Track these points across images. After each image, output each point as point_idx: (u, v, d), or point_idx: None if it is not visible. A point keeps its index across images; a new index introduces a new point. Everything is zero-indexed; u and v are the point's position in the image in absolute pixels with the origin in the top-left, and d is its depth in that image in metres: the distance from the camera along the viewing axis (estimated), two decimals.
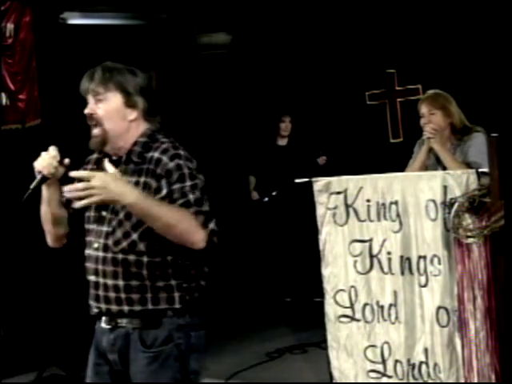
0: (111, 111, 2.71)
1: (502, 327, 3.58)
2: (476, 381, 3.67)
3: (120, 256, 2.65)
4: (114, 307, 2.67)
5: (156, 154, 2.65)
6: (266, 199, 7.04)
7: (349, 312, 4.08)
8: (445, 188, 3.77)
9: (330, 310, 4.13)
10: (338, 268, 4.10)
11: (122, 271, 2.64)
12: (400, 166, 4.63)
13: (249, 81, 7.79)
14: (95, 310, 2.75)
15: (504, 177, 3.57)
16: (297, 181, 4.30)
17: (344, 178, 4.13)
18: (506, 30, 6.26)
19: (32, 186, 2.73)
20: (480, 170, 3.76)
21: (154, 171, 2.63)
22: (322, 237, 4.15)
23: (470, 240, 3.65)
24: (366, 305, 4.04)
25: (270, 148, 7.35)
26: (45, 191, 2.80)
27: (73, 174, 2.62)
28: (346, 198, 4.06)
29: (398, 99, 7.31)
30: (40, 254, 6.01)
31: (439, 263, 3.81)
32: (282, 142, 7.37)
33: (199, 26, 7.81)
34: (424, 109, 4.49)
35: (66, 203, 2.88)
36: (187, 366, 2.67)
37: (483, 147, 3.92)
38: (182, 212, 2.55)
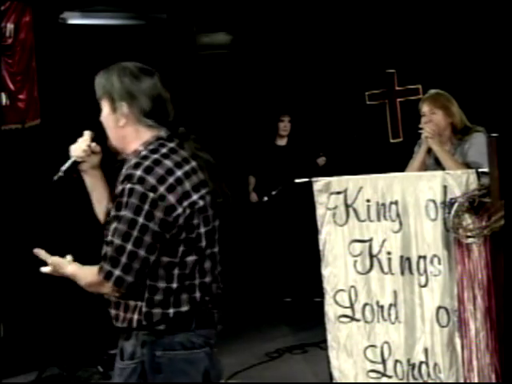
0: (105, 118, 2.69)
1: (502, 327, 3.58)
2: (476, 381, 3.67)
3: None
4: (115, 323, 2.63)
5: (123, 170, 2.53)
6: (266, 198, 7.04)
7: (349, 312, 4.08)
8: (445, 188, 3.77)
9: (330, 309, 4.13)
10: (338, 268, 4.10)
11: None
12: (400, 166, 4.63)
13: (249, 81, 7.79)
14: None
15: (504, 177, 3.57)
16: (297, 181, 4.30)
17: (344, 178, 4.13)
18: (505, 30, 6.26)
19: (63, 168, 2.75)
20: (480, 169, 3.76)
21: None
22: (321, 237, 4.15)
23: (470, 240, 3.65)
24: (365, 305, 4.04)
25: (270, 148, 7.35)
26: (86, 179, 2.81)
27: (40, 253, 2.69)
28: (345, 197, 4.06)
29: (398, 99, 7.31)
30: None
31: (439, 263, 3.81)
32: (282, 142, 7.37)
33: (199, 26, 7.81)
34: (425, 108, 4.49)
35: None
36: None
37: (483, 147, 3.92)
38: (90, 278, 2.54)
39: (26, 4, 6.37)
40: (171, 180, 2.43)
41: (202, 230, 2.50)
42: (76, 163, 2.76)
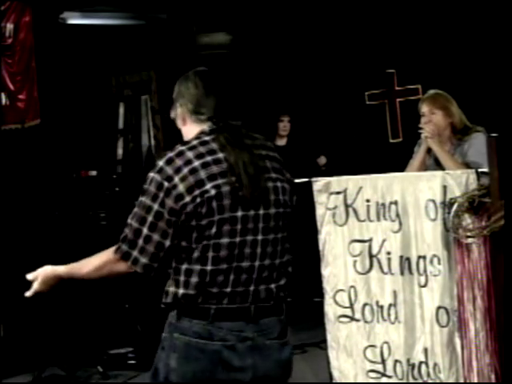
0: (175, 117, 2.82)
1: (502, 327, 3.58)
2: (476, 381, 3.67)
3: None
4: None
5: None
6: None
7: (348, 312, 4.08)
8: (444, 188, 3.77)
9: (330, 310, 4.13)
10: (338, 268, 4.10)
11: None
12: (400, 166, 4.63)
13: (249, 81, 7.79)
14: None
15: (504, 177, 3.57)
16: (296, 181, 4.30)
17: (344, 178, 4.13)
18: (505, 30, 6.27)
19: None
20: (480, 170, 3.76)
21: None
22: (321, 237, 4.15)
23: (470, 240, 3.65)
24: (365, 305, 4.04)
25: None
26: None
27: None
28: (345, 197, 4.06)
29: (398, 99, 7.31)
30: (40, 254, 6.01)
31: (439, 263, 3.81)
32: (281, 142, 7.36)
33: (199, 26, 7.81)
34: (425, 108, 4.49)
35: None
36: (168, 361, 2.66)
37: (483, 147, 3.92)
38: (103, 256, 2.74)
39: (26, 4, 6.37)
40: (186, 170, 2.57)
41: (216, 217, 2.57)
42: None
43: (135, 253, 2.60)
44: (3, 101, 6.29)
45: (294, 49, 7.60)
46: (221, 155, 2.62)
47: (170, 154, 2.61)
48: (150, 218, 2.57)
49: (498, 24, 6.34)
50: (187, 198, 2.54)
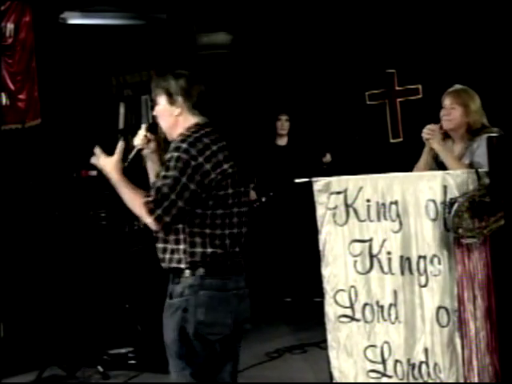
0: (161, 111, 3.40)
1: (502, 327, 3.58)
2: (476, 381, 3.67)
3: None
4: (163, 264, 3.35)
5: (172, 144, 3.29)
6: (264, 199, 7.04)
7: (349, 312, 4.08)
8: (445, 188, 3.77)
9: (330, 309, 4.13)
10: (338, 268, 4.10)
11: (161, 236, 3.32)
12: (400, 165, 4.62)
13: (249, 81, 7.79)
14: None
15: (504, 177, 3.57)
16: (297, 181, 4.31)
17: (344, 178, 4.13)
18: (506, 31, 6.27)
19: (130, 156, 3.45)
20: (480, 169, 3.75)
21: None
22: (321, 237, 4.15)
23: (470, 240, 3.65)
24: (365, 305, 4.04)
25: (270, 148, 7.34)
26: (147, 163, 3.53)
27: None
28: (345, 197, 4.06)
29: (398, 99, 7.31)
30: (40, 254, 6.02)
31: (439, 263, 3.81)
32: (282, 141, 7.36)
33: (199, 26, 7.81)
34: (447, 101, 4.45)
35: None
36: (193, 317, 3.22)
37: None
38: (135, 199, 3.23)
39: (26, 4, 6.38)
40: (208, 152, 3.25)
41: (230, 190, 3.28)
42: (139, 150, 3.46)
43: (159, 211, 3.17)
44: (3, 101, 6.30)
45: (294, 49, 7.60)
46: (224, 143, 3.35)
47: (190, 139, 3.24)
48: (178, 188, 3.17)
49: (498, 24, 6.34)
50: (213, 175, 3.22)
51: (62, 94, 6.50)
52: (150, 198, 3.20)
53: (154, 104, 3.44)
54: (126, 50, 7.62)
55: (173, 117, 3.37)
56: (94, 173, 6.53)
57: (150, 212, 3.19)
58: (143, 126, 3.50)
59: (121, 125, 8.00)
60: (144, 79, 7.97)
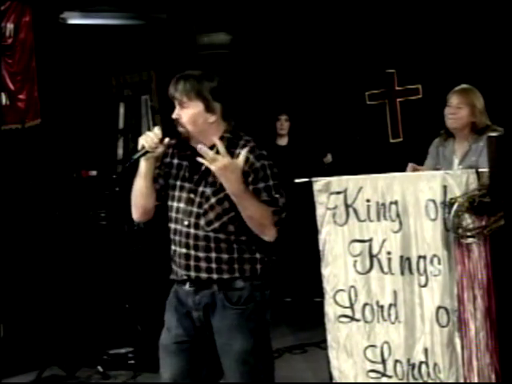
0: (194, 116, 3.17)
1: (502, 327, 3.58)
2: (476, 381, 3.67)
3: (212, 234, 3.16)
4: (203, 275, 3.18)
5: (243, 152, 3.09)
6: None
7: (349, 312, 4.08)
8: (445, 188, 3.77)
9: (330, 310, 4.13)
10: (338, 268, 4.10)
11: (214, 247, 3.16)
12: (400, 165, 4.63)
13: (249, 81, 7.79)
14: (184, 277, 3.23)
15: (504, 177, 3.57)
16: (297, 181, 4.31)
17: (344, 178, 4.13)
18: (506, 31, 6.27)
19: (135, 157, 3.19)
20: (480, 170, 3.75)
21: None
22: (321, 237, 4.15)
23: (470, 240, 3.65)
24: (365, 305, 4.03)
25: (270, 148, 7.32)
26: (143, 166, 3.23)
27: (201, 148, 3.05)
28: (345, 197, 4.06)
29: (398, 99, 7.31)
30: (40, 254, 6.02)
31: (439, 263, 3.81)
32: (282, 141, 7.36)
33: (199, 26, 7.81)
34: (454, 100, 4.47)
35: (154, 179, 3.29)
36: (265, 318, 3.29)
37: None
38: (265, 210, 3.10)
39: (26, 4, 6.38)
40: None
41: None
42: (146, 153, 3.18)
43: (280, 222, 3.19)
44: (3, 101, 6.30)
45: (294, 49, 7.60)
46: None
47: (263, 152, 3.22)
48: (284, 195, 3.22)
49: (498, 24, 6.34)
50: None
51: (62, 94, 6.50)
52: (277, 208, 3.16)
53: (181, 105, 3.18)
54: (126, 50, 7.62)
55: (206, 124, 3.19)
56: (93, 173, 6.54)
57: (277, 223, 3.19)
58: (157, 128, 3.22)
59: (121, 125, 8.01)
60: (144, 79, 7.97)
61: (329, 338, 4.15)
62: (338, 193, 4.07)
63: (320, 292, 4.20)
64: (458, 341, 3.75)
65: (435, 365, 3.83)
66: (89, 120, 7.18)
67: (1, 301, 5.99)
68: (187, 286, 3.23)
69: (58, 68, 6.55)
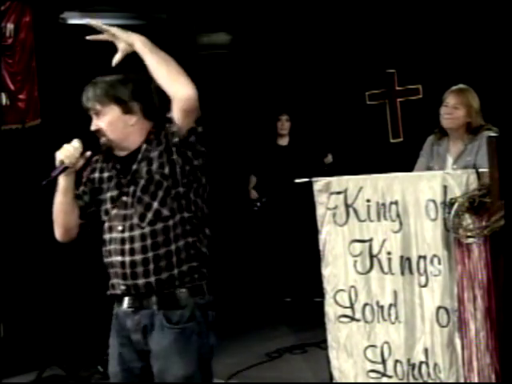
0: (112, 122, 2.98)
1: (502, 327, 3.58)
2: (476, 381, 3.67)
3: (147, 229, 2.91)
4: (141, 281, 2.92)
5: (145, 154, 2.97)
6: (265, 199, 7.05)
7: (349, 312, 4.08)
8: (445, 188, 3.77)
9: (330, 310, 4.13)
10: (338, 268, 4.10)
11: (151, 243, 2.91)
12: (400, 165, 4.63)
13: (249, 81, 7.79)
14: (122, 288, 3.00)
15: (504, 177, 3.57)
16: (297, 181, 4.31)
17: (344, 178, 4.13)
18: (506, 31, 6.26)
19: (54, 174, 2.96)
20: (480, 169, 3.75)
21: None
22: (321, 237, 4.15)
23: (470, 240, 3.65)
24: (365, 305, 4.04)
25: (271, 148, 7.34)
26: (63, 181, 3.02)
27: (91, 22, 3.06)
28: (345, 197, 4.06)
29: (398, 99, 7.31)
30: (40, 254, 6.02)
31: (439, 263, 3.81)
32: (283, 141, 7.36)
33: (199, 26, 7.81)
34: (451, 100, 4.49)
35: (77, 196, 3.11)
36: (208, 342, 2.94)
37: None
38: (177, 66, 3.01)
39: (26, 4, 6.37)
40: None
41: None
42: (66, 169, 2.96)
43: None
44: (3, 101, 6.28)
45: (294, 49, 7.60)
46: None
47: None
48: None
49: (499, 24, 6.34)
50: None
51: (62, 94, 6.48)
52: None
53: (97, 114, 3.02)
54: None
55: (128, 127, 2.99)
56: None
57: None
58: (77, 141, 3.02)
59: None
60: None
61: (329, 338, 4.15)
62: (339, 193, 4.08)
63: (320, 292, 4.21)
64: (458, 341, 3.75)
65: (435, 365, 3.84)
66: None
67: (1, 301, 5.99)
68: (125, 305, 3.01)
69: (58, 68, 6.54)
